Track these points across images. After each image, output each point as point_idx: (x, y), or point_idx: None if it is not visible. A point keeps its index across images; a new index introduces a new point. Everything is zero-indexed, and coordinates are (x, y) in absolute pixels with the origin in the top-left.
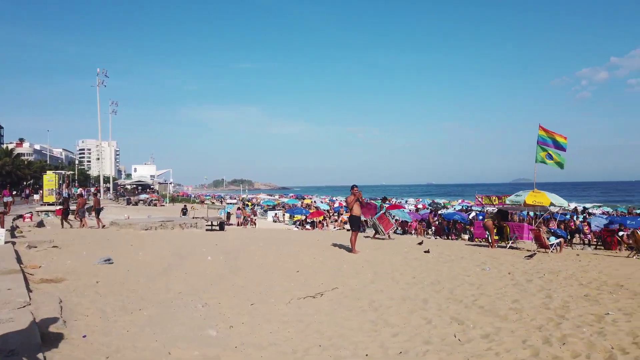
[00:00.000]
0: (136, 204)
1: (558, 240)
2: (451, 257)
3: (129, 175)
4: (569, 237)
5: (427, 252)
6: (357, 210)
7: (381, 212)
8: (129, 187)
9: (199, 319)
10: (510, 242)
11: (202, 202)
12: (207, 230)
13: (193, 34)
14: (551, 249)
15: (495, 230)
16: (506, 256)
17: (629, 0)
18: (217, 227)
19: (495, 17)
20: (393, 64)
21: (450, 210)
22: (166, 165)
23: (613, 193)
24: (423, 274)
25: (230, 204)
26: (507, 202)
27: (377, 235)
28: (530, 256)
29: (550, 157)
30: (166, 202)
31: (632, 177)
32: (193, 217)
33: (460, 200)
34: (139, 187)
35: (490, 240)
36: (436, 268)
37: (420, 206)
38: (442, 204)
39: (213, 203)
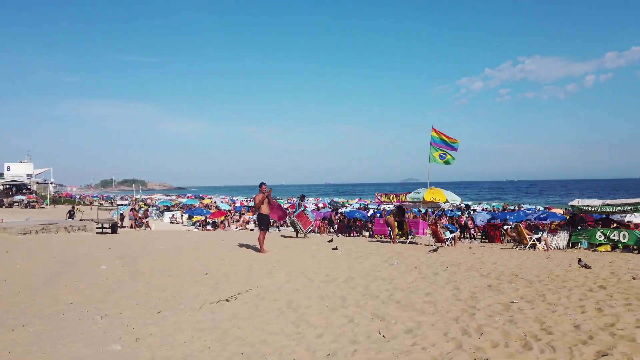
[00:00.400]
0: (10, 206)
1: (453, 235)
2: (359, 253)
3: (0, 175)
4: (459, 232)
5: (336, 249)
6: (265, 209)
7: (300, 209)
8: (0, 187)
9: (99, 333)
10: (410, 237)
11: (90, 203)
12: (97, 233)
13: (68, 18)
14: (447, 243)
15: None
16: (409, 251)
17: (501, 17)
18: (109, 230)
19: (388, 27)
20: (291, 63)
21: (350, 209)
22: (46, 163)
23: (488, 191)
24: (336, 271)
25: (122, 205)
26: (407, 199)
27: (299, 235)
28: (435, 250)
29: (443, 156)
30: (46, 204)
31: (503, 177)
32: (80, 220)
33: (357, 199)
34: (13, 188)
35: (392, 236)
36: (347, 265)
37: (320, 205)
38: (341, 203)
39: (101, 205)
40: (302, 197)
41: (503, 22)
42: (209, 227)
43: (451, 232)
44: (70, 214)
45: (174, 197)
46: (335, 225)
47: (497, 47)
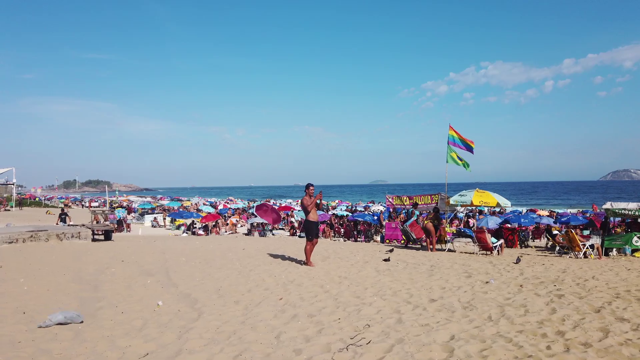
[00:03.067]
0: None
1: (500, 242)
2: (425, 265)
3: None
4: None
5: (388, 260)
6: (314, 215)
7: (413, 218)
8: None
9: None
10: (449, 244)
11: (65, 205)
12: (92, 240)
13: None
14: (495, 251)
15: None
16: (467, 261)
17: (464, 24)
18: (102, 237)
19: (354, 31)
20: (256, 64)
21: (339, 212)
22: (7, 163)
23: (454, 193)
24: (431, 292)
25: (120, 208)
26: (452, 202)
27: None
28: (517, 261)
29: (460, 158)
30: (11, 206)
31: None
32: (69, 225)
33: (337, 201)
34: None
35: (432, 243)
36: (435, 284)
37: None
38: (326, 205)
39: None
40: (415, 205)
41: (466, 29)
42: (200, 231)
43: (498, 238)
44: (62, 218)
45: (148, 198)
46: (343, 230)
47: (461, 52)
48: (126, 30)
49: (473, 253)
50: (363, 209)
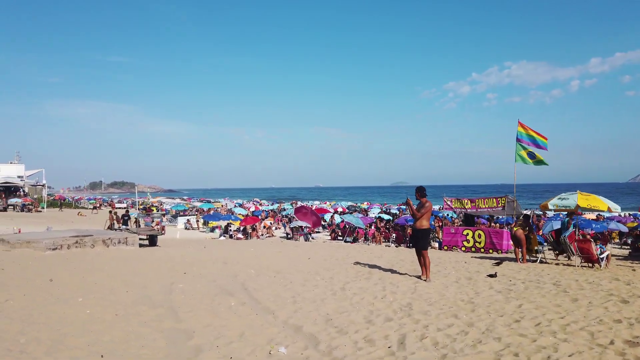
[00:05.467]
0: (4, 209)
1: (607, 253)
2: (547, 284)
3: None
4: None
5: (494, 275)
6: (427, 221)
7: (571, 230)
8: None
9: None
10: (540, 255)
11: (94, 208)
12: (140, 246)
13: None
14: (602, 263)
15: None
16: (594, 277)
17: (487, 24)
18: (147, 242)
19: (376, 32)
20: (278, 65)
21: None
22: (35, 164)
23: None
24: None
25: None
26: (550, 206)
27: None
28: None
29: (532, 155)
30: (43, 207)
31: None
32: (114, 229)
33: (366, 203)
34: (6, 190)
35: (522, 254)
36: (598, 314)
37: (340, 209)
38: (358, 207)
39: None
40: (570, 214)
41: (489, 29)
42: (239, 234)
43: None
44: (124, 220)
45: (178, 200)
46: (394, 235)
47: (484, 52)
48: (143, 32)
49: (571, 265)
50: (397, 212)
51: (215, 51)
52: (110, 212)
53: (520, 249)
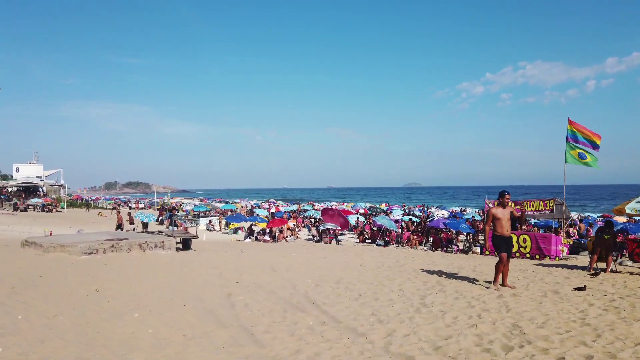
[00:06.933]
0: (25, 209)
1: None
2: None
3: (5, 177)
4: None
5: (583, 289)
6: (507, 227)
7: None
8: (10, 189)
9: None
10: (617, 263)
11: (114, 208)
12: (177, 249)
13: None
14: None
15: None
16: None
17: (501, 24)
18: (180, 246)
19: (388, 31)
20: (289, 65)
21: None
22: (53, 165)
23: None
24: None
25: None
26: (628, 210)
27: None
28: None
29: (583, 155)
30: (63, 207)
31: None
32: (142, 231)
33: (385, 204)
34: (26, 190)
35: (606, 264)
36: None
37: (362, 211)
38: (379, 208)
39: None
40: None
41: (503, 28)
42: (266, 237)
43: None
44: (172, 221)
45: (196, 201)
46: (431, 239)
47: (498, 52)
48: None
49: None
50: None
51: (229, 52)
52: (118, 212)
53: (604, 258)
